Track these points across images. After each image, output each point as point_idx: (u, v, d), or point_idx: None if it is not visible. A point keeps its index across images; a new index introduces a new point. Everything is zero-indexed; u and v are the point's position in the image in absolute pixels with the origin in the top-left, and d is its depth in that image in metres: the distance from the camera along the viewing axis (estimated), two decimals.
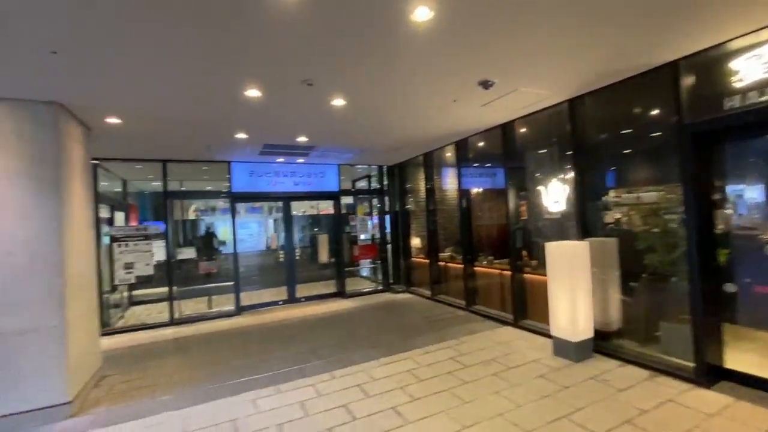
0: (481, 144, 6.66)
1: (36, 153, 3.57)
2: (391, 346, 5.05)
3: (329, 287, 8.86)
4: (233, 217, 7.58)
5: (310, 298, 8.31)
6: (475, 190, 7.23)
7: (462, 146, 6.81)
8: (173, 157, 6.89)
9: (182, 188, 8.58)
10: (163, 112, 4.31)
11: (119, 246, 6.44)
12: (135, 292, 8.21)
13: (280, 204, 8.79)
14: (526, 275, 5.53)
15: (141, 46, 2.78)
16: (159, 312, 7.50)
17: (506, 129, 5.63)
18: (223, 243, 9.50)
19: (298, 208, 10.88)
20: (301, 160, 7.80)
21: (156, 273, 6.59)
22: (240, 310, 7.42)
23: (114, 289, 7.22)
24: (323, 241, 10.93)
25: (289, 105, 4.28)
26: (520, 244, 5.69)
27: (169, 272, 7.00)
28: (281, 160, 7.62)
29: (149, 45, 2.76)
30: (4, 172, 3.46)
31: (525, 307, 5.53)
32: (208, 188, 9.19)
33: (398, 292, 8.65)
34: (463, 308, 6.78)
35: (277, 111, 4.46)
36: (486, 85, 3.89)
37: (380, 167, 9.23)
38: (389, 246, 9.17)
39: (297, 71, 3.39)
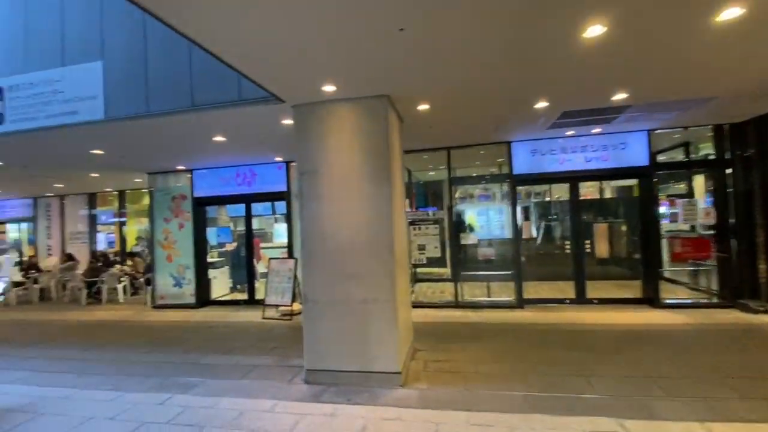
0: None
1: (371, 145, 3.98)
2: None
3: (627, 290, 6.98)
4: (513, 201, 7.00)
5: (604, 301, 6.76)
6: None
7: None
8: (456, 144, 6.95)
9: (457, 175, 8.76)
10: (470, 90, 4.08)
11: (414, 229, 7.03)
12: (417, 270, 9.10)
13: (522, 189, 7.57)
14: None
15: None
16: (441, 292, 7.93)
17: None
18: (471, 229, 9.23)
19: (560, 192, 9.25)
20: (597, 130, 6.31)
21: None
22: (522, 302, 6.81)
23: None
24: (601, 231, 8.88)
25: (646, 38, 3.11)
26: None
27: (454, 255, 7.18)
28: (571, 133, 6.40)
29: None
30: (353, 166, 4.01)
31: None
32: (474, 174, 9.02)
33: (758, 312, 5.77)
34: None
35: (614, 52, 3.37)
36: None
37: (717, 128, 6.42)
38: (733, 241, 6.29)
39: None
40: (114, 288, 9.41)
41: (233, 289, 9.45)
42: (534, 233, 8.93)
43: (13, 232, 13.39)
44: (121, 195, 11.74)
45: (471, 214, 8.31)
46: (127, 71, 4.51)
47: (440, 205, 9.63)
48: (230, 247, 10.11)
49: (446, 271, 8.06)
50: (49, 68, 4.71)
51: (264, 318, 6.91)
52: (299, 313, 7.11)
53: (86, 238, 11.99)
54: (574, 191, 7.03)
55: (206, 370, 4.57)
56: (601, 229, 9.07)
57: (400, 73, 3.54)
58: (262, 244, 10.96)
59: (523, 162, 6.92)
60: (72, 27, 4.69)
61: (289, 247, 7.77)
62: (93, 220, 12.04)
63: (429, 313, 6.67)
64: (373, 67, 3.34)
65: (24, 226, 12.95)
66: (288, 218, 7.77)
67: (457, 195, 11.64)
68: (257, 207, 9.64)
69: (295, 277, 6.89)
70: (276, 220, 11.66)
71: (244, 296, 8.45)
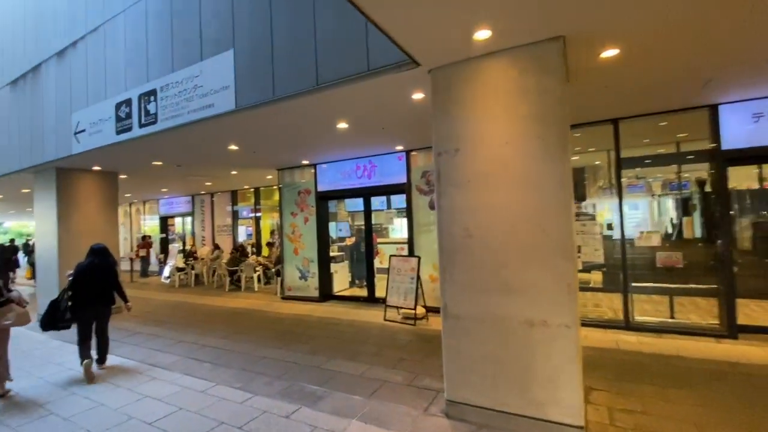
0: None
1: (540, 109, 2.90)
2: None
3: None
4: (722, 188, 5.01)
5: None
6: None
7: None
8: (628, 113, 5.29)
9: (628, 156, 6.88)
10: (687, 24, 2.66)
11: None
12: None
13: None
14: None
15: None
16: (594, 305, 6.27)
17: None
18: (644, 226, 6.99)
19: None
20: None
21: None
22: (734, 329, 4.83)
23: None
24: None
25: None
26: None
27: (623, 259, 5.53)
28: None
29: None
30: (512, 139, 2.99)
31: None
32: (654, 152, 6.94)
33: None
34: None
35: None
36: None
37: None
38: None
39: None
40: (251, 277, 10.17)
41: (352, 284, 9.31)
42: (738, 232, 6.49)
43: (178, 225, 15.95)
44: (257, 192, 12.82)
45: (647, 207, 6.41)
46: (253, 57, 4.31)
47: (598, 195, 7.81)
48: (349, 241, 10.03)
49: (593, 277, 6.38)
50: (191, 64, 4.84)
51: (386, 320, 6.37)
52: (423, 318, 6.41)
53: (230, 231, 13.47)
54: None
55: (332, 379, 4.12)
56: None
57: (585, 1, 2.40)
58: (378, 240, 10.68)
59: (737, 133, 4.88)
60: (208, 18, 4.73)
61: (410, 243, 7.09)
62: (235, 215, 13.45)
63: (589, 335, 5.21)
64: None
65: (187, 219, 15.25)
66: (408, 212, 7.11)
67: (625, 182, 9.43)
68: (376, 201, 9.35)
69: (418, 277, 6.16)
70: (393, 215, 11.23)
71: (364, 292, 8.14)
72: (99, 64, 6.13)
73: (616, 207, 5.69)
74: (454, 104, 3.24)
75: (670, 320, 5.45)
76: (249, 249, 11.96)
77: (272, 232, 13.08)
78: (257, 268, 10.25)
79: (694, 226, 6.03)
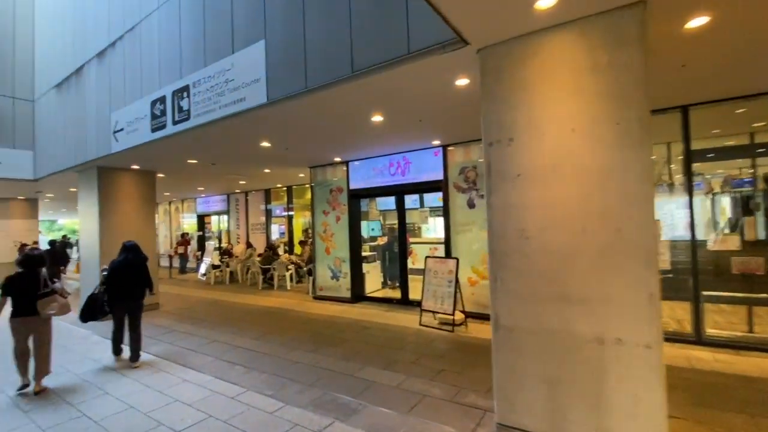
0: None
1: (615, 90, 2.46)
2: None
3: None
4: None
5: None
6: None
7: None
8: (703, 98, 4.65)
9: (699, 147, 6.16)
10: None
11: None
12: None
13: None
14: None
15: None
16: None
17: None
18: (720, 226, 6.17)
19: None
20: None
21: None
22: None
23: None
24: None
25: None
26: None
27: (694, 265, 4.89)
28: None
29: None
30: (579, 124, 2.57)
31: None
32: (732, 143, 6.17)
33: None
34: None
35: None
36: None
37: None
38: None
39: None
40: (283, 275, 10.13)
41: (384, 285, 9.03)
42: None
43: (214, 223, 16.31)
44: (289, 190, 12.82)
45: (700, 205, 5.68)
46: (285, 46, 4.09)
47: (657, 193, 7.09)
48: (381, 241, 9.76)
49: None
50: (223, 58, 4.71)
51: (421, 325, 6.03)
52: (461, 324, 6.02)
53: (264, 229, 13.57)
54: None
55: (367, 390, 3.84)
56: None
57: None
58: (411, 239, 10.34)
59: None
60: (239, 9, 4.57)
61: (446, 243, 6.70)
62: (269, 214, 13.53)
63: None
64: None
65: (223, 218, 15.55)
66: (445, 211, 6.71)
67: (680, 178, 8.61)
68: (409, 200, 8.98)
69: (457, 281, 5.77)
70: (427, 214, 10.86)
71: (397, 294, 7.83)
72: (135, 62, 6.17)
73: (680, 205, 5.05)
74: (508, 88, 2.85)
75: (750, 335, 4.76)
76: (281, 247, 11.96)
77: (305, 231, 13.06)
78: (289, 267, 10.19)
79: (758, 227, 5.27)
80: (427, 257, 6.33)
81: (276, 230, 13.76)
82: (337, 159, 7.91)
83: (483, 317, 6.06)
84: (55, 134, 8.53)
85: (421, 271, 6.31)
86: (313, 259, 8.70)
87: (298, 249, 12.30)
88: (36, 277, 4.10)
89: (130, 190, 8.04)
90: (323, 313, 7.20)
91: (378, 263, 9.06)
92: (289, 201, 12.91)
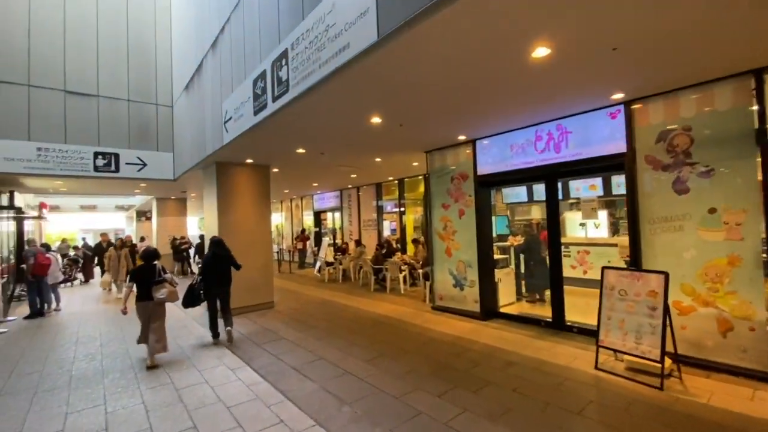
0: None
1: None
2: None
3: None
4: None
5: None
6: None
7: None
8: None
9: None
10: None
11: None
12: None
13: None
14: None
15: None
16: None
17: None
18: None
19: None
20: None
21: None
22: None
23: None
24: None
25: None
26: None
27: None
28: None
29: None
30: None
31: None
32: None
33: None
34: None
35: None
36: None
37: None
38: None
39: None
40: (396, 277, 9.02)
41: (519, 297, 7.14)
42: None
43: (329, 220, 16.34)
44: (401, 184, 11.72)
45: None
46: None
47: None
48: (514, 241, 7.82)
49: None
50: (321, 1, 3.59)
51: (598, 368, 4.07)
52: (669, 375, 3.86)
53: (376, 225, 12.81)
54: None
55: None
56: None
57: None
58: (566, 240, 8.08)
59: None
60: None
61: (633, 248, 4.52)
62: (380, 210, 12.71)
63: None
64: None
65: (336, 214, 15.43)
66: (630, 198, 4.55)
67: None
68: (566, 185, 6.78)
69: (666, 308, 3.66)
70: (593, 205, 8.45)
71: (543, 312, 5.91)
72: (239, 43, 5.63)
73: None
74: None
75: None
76: (394, 245, 10.93)
77: (417, 228, 11.83)
78: (403, 268, 9.03)
79: None
80: (604, 268, 4.30)
81: (387, 227, 12.86)
82: (462, 137, 6.33)
83: (704, 366, 3.84)
84: (184, 135, 8.94)
85: (572, 281, 4.31)
86: (430, 261, 7.31)
87: (410, 248, 11.11)
88: (153, 268, 4.84)
89: (246, 185, 7.85)
90: (446, 331, 5.73)
91: (511, 269, 7.21)
92: (401, 196, 11.81)
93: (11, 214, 9.50)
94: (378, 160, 8.10)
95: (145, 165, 9.67)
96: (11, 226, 11.77)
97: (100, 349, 5.51)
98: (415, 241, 9.86)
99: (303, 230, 15.71)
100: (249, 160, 7.62)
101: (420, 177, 10.92)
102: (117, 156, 9.29)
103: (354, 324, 6.35)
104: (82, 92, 8.93)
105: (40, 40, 8.47)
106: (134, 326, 5.42)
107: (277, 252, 18.08)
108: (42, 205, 15.68)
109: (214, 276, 5.54)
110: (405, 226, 11.90)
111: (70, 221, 26.50)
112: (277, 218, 19.47)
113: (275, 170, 8.87)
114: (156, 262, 4.92)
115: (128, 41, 9.68)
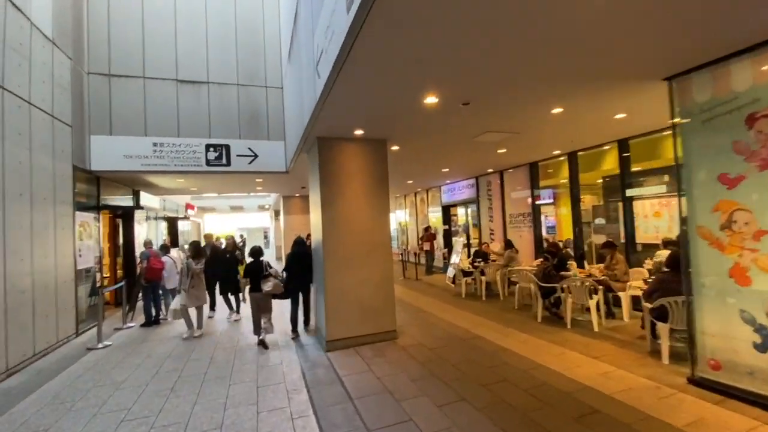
0: None
1: None
2: None
3: None
4: None
5: None
6: None
7: None
8: None
9: None
10: None
11: None
12: None
13: None
14: None
15: None
16: None
17: None
18: None
19: None
20: None
21: None
22: None
23: None
24: None
25: None
26: None
27: None
28: None
29: None
30: None
31: None
32: None
33: None
34: None
35: None
36: None
37: None
38: None
39: None
40: (582, 303, 5.69)
41: None
42: None
43: (461, 215, 13.47)
44: (572, 158, 8.09)
45: None
46: None
47: None
48: None
49: None
50: None
51: None
52: None
53: (529, 222, 9.44)
54: None
55: None
56: None
57: None
58: None
59: None
60: None
61: None
62: (534, 200, 9.30)
63: None
64: None
65: (470, 208, 12.51)
66: None
67: None
68: None
69: None
70: None
71: None
72: None
73: None
74: None
75: None
76: (569, 251, 7.46)
77: (600, 226, 8.01)
78: (594, 292, 5.62)
79: None
80: None
81: (542, 223, 9.34)
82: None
83: None
84: (291, 116, 7.37)
85: None
86: (666, 281, 3.85)
87: (590, 258, 7.46)
88: (260, 264, 5.58)
89: (356, 168, 5.70)
90: None
91: None
92: (573, 178, 8.16)
93: (159, 215, 9.40)
94: (558, 110, 4.91)
95: (256, 156, 8.55)
96: (159, 225, 12.48)
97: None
98: (608, 245, 6.25)
99: (428, 227, 13.21)
100: (358, 131, 5.41)
101: (607, 147, 7.20)
102: (228, 147, 8.35)
103: (529, 407, 3.44)
104: (193, 80, 8.22)
105: (153, 30, 7.98)
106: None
107: (401, 253, 16.09)
108: (188, 206, 16.94)
109: (296, 272, 5.99)
110: (580, 220, 8.17)
111: (226, 221, 30.05)
112: (401, 215, 17.53)
113: (395, 148, 6.54)
114: (262, 258, 5.71)
115: (236, 21, 8.70)
